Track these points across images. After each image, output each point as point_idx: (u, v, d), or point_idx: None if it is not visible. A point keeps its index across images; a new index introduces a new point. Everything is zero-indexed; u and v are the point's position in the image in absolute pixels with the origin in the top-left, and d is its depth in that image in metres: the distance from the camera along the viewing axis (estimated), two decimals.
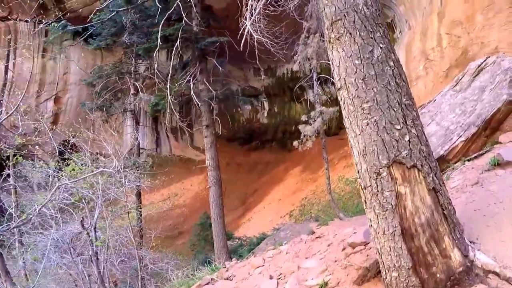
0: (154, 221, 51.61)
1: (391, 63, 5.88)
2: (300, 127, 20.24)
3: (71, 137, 54.01)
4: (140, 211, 23.18)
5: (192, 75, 13.76)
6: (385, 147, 5.79)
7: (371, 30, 5.79)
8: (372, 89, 5.77)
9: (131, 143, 61.05)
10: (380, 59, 5.79)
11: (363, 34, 5.75)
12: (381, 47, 5.83)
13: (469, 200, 8.72)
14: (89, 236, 10.57)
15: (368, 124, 5.86)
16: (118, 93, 21.20)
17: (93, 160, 57.90)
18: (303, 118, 20.80)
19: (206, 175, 62.00)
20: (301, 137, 19.43)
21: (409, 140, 5.81)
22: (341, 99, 6.38)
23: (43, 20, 51.67)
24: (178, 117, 66.55)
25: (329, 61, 7.10)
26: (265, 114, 70.36)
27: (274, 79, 66.95)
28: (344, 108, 6.33)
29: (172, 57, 12.57)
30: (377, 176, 5.92)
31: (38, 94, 51.34)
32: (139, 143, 21.89)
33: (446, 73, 35.77)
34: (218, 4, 43.49)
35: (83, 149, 55.38)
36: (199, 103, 13.95)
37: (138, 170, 21.26)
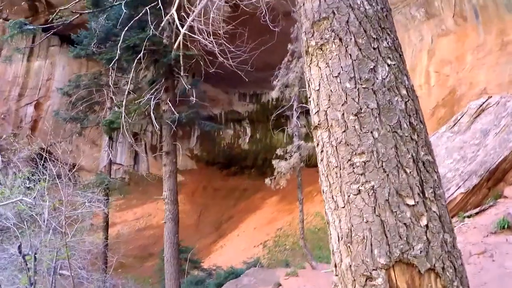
0: (124, 241, 50.18)
1: (404, 92, 3.66)
2: (274, 162, 16.99)
3: (47, 145, 52.81)
4: (107, 232, 22.04)
5: (155, 93, 12.47)
6: (386, 235, 3.25)
7: (374, 36, 3.56)
8: (371, 132, 3.39)
9: (108, 158, 59.99)
10: (386, 83, 3.53)
11: (362, 42, 3.53)
12: (388, 65, 3.60)
13: (477, 279, 6.49)
14: (26, 264, 9.35)
15: (359, 192, 3.41)
16: (95, 105, 20.31)
17: (70, 171, 56.42)
18: (278, 152, 18.11)
19: (182, 197, 60.99)
20: (274, 174, 17.21)
21: (427, 225, 3.27)
22: (317, 144, 3.84)
23: (33, 24, 51.05)
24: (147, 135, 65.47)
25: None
26: (247, 140, 70.03)
27: (258, 106, 66.84)
28: (322, 160, 3.78)
29: (132, 69, 11.31)
30: (366, 282, 3.26)
31: (19, 98, 50.08)
32: (110, 160, 20.93)
33: (432, 112, 35.80)
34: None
35: (59, 159, 54.06)
36: (157, 126, 12.51)
37: (107, 188, 20.25)
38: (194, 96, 15.89)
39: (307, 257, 16.19)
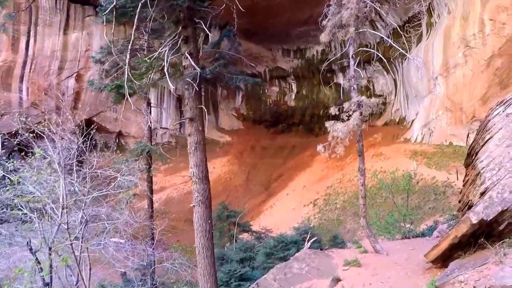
0: (175, 203, 50.80)
1: None
2: (328, 124, 12.95)
3: (92, 116, 53.40)
4: (151, 200, 21.57)
5: (170, 44, 9.93)
6: None
7: None
8: None
9: (154, 123, 60.25)
10: None
11: None
12: None
13: None
14: (39, 264, 8.42)
15: None
16: (147, 85, 19.26)
17: (115, 141, 56.97)
18: (332, 110, 13.97)
19: (230, 157, 61.10)
20: (328, 139, 12.94)
21: None
22: None
23: None
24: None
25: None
26: (293, 97, 69.19)
27: (303, 61, 64.98)
28: None
29: (137, 14, 9.02)
30: None
31: (59, 72, 50.44)
32: (150, 126, 20.14)
33: (488, 62, 33.07)
34: None
35: (106, 129, 54.59)
36: (173, 87, 9.54)
37: (149, 156, 19.61)
38: (225, 48, 13.31)
39: (370, 239, 12.18)
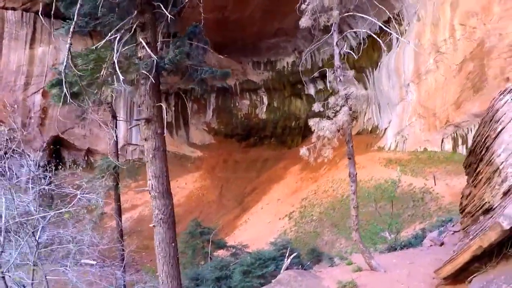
0: (147, 221, 49.04)
1: None
2: (312, 122, 11.44)
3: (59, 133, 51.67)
4: (120, 218, 20.42)
5: (123, 31, 7.60)
6: None
7: None
8: None
9: (124, 139, 58.62)
10: None
11: None
12: None
13: None
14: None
15: None
16: (96, 83, 18.24)
17: (84, 158, 55.26)
18: (316, 107, 12.35)
19: (202, 172, 60.01)
20: (312, 140, 11.42)
21: None
22: None
23: (32, 8, 49.22)
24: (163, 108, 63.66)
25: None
26: (264, 109, 68.77)
27: (274, 73, 64.71)
28: None
29: None
30: None
31: (25, 87, 48.68)
32: (116, 142, 19.02)
33: (460, 67, 33.24)
34: None
35: (75, 146, 52.76)
36: (123, 78, 6.75)
37: (116, 173, 18.54)
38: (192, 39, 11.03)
39: (364, 255, 9.88)
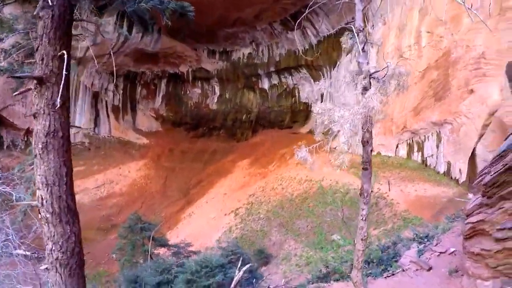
0: (85, 210, 46.28)
1: None
2: (317, 109, 8.44)
3: None
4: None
5: None
6: None
7: None
8: None
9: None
10: None
11: None
12: None
13: None
14: None
15: None
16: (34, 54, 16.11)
17: (24, 138, 51.78)
18: (322, 85, 9.73)
19: (146, 161, 57.49)
20: (317, 137, 8.64)
21: None
22: None
23: None
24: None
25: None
26: (215, 100, 67.04)
27: (228, 63, 62.86)
28: None
29: None
30: None
31: None
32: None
33: (422, 74, 32.85)
34: None
35: (15, 125, 49.30)
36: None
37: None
38: None
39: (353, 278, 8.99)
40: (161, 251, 22.50)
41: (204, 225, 36.48)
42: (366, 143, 9.30)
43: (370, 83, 8.68)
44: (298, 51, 52.51)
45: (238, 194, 41.77)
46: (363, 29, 8.93)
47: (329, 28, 44.06)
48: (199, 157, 59.19)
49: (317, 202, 30.72)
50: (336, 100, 46.32)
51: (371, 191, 9.93)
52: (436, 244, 11.22)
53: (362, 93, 8.73)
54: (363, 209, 9.42)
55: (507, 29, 24.93)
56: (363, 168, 9.43)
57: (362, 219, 9.49)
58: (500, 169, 7.29)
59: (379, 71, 8.84)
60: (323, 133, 8.74)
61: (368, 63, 9.12)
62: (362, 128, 9.21)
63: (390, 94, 8.85)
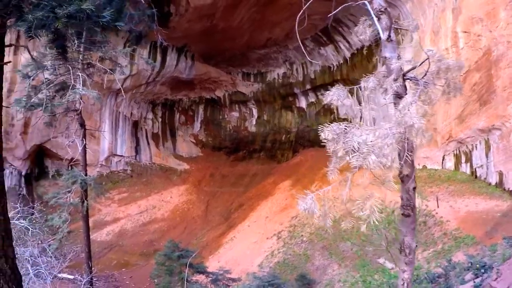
0: (129, 236, 47.05)
1: None
2: (332, 130, 6.18)
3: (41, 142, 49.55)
4: (87, 235, 18.27)
5: None
6: None
7: None
8: None
9: (109, 150, 56.56)
10: None
11: None
12: None
13: None
14: None
15: None
16: (64, 88, 16.34)
17: (68, 168, 53.23)
18: (371, 83, 7.13)
19: (188, 186, 57.70)
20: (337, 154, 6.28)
21: None
22: None
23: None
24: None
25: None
26: (254, 122, 66.62)
27: (264, 85, 62.38)
28: None
29: None
30: None
31: (8, 94, 46.47)
32: (85, 153, 17.04)
33: (464, 78, 31.10)
34: (202, 0, 39.19)
35: (58, 155, 50.77)
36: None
37: (84, 188, 16.47)
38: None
39: None
40: (200, 278, 21.98)
41: (246, 250, 35.75)
42: (406, 178, 6.74)
43: (405, 86, 6.43)
44: (333, 66, 51.68)
45: (280, 217, 40.92)
46: (386, 9, 6.58)
47: (362, 40, 43.15)
48: (240, 181, 58.85)
49: (357, 220, 29.52)
50: (376, 113, 45.06)
51: (418, 209, 7.75)
52: (496, 279, 9.63)
53: (394, 103, 6.35)
54: (404, 271, 6.93)
55: None
56: (402, 214, 6.96)
57: (402, 284, 7.06)
58: None
59: (416, 66, 6.37)
60: (338, 170, 6.27)
61: (399, 57, 6.55)
62: (398, 157, 6.33)
63: (436, 101, 6.47)
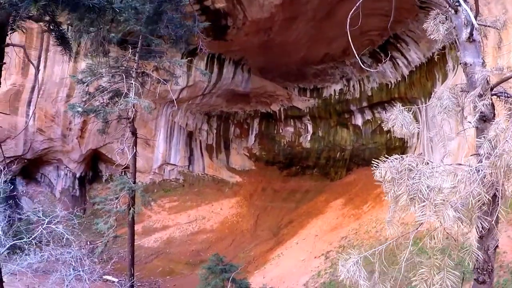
0: (176, 244, 47.55)
1: None
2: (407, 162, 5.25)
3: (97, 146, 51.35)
4: (132, 243, 18.43)
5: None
6: None
7: None
8: None
9: (162, 158, 57.75)
10: None
11: None
12: None
13: None
14: None
15: None
16: (118, 95, 16.60)
17: (122, 173, 54.84)
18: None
19: (239, 199, 57.71)
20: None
21: None
22: None
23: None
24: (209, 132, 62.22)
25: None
26: (308, 138, 65.32)
27: (320, 101, 61.54)
28: None
29: None
30: None
31: (67, 99, 48.54)
32: (135, 160, 17.24)
33: None
34: (259, 14, 39.28)
35: (113, 161, 52.53)
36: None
37: (132, 195, 16.63)
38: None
39: None
40: None
41: (292, 267, 35.03)
42: (486, 233, 5.18)
43: (493, 105, 4.94)
44: (390, 83, 50.30)
45: (329, 236, 39.92)
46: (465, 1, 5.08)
47: (420, 57, 41.64)
48: (291, 196, 58.17)
49: (412, 249, 28.16)
50: (433, 133, 43.02)
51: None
52: None
53: (477, 128, 4.77)
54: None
55: None
56: (476, 280, 5.35)
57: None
58: None
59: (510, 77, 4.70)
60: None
61: (483, 64, 5.24)
62: (487, 211, 4.66)
63: None
